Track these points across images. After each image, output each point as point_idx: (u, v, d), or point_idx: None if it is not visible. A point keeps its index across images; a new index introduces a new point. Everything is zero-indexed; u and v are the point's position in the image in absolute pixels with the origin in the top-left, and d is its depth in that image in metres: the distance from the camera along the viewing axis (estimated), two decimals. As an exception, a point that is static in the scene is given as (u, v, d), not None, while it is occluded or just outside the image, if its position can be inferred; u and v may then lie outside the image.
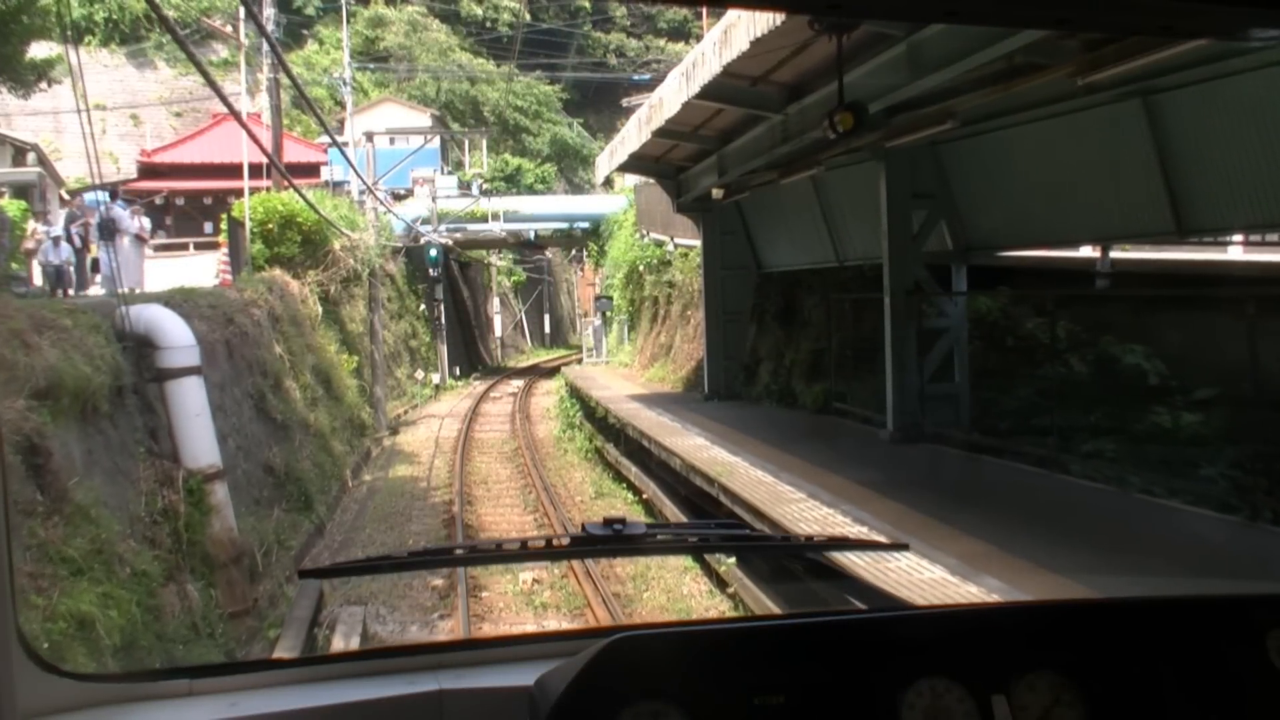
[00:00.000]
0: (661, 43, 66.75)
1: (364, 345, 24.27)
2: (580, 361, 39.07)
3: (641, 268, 23.52)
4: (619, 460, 15.10)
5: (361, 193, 24.26)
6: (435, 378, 31.38)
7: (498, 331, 50.72)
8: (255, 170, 21.35)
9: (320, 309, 21.17)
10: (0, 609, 1.44)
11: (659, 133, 12.61)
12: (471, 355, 43.85)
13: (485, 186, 38.26)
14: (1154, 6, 1.20)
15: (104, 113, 49.46)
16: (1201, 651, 1.67)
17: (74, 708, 1.59)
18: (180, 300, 13.09)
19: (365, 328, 24.38)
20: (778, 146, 11.28)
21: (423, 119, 51.60)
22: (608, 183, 32.83)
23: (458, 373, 36.81)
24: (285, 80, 21.25)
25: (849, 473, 9.35)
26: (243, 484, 12.28)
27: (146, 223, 20.43)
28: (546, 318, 64.30)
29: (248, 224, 20.29)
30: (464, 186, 39.44)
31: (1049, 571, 5.88)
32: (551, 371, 42.31)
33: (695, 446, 11.72)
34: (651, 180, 26.25)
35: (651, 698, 1.50)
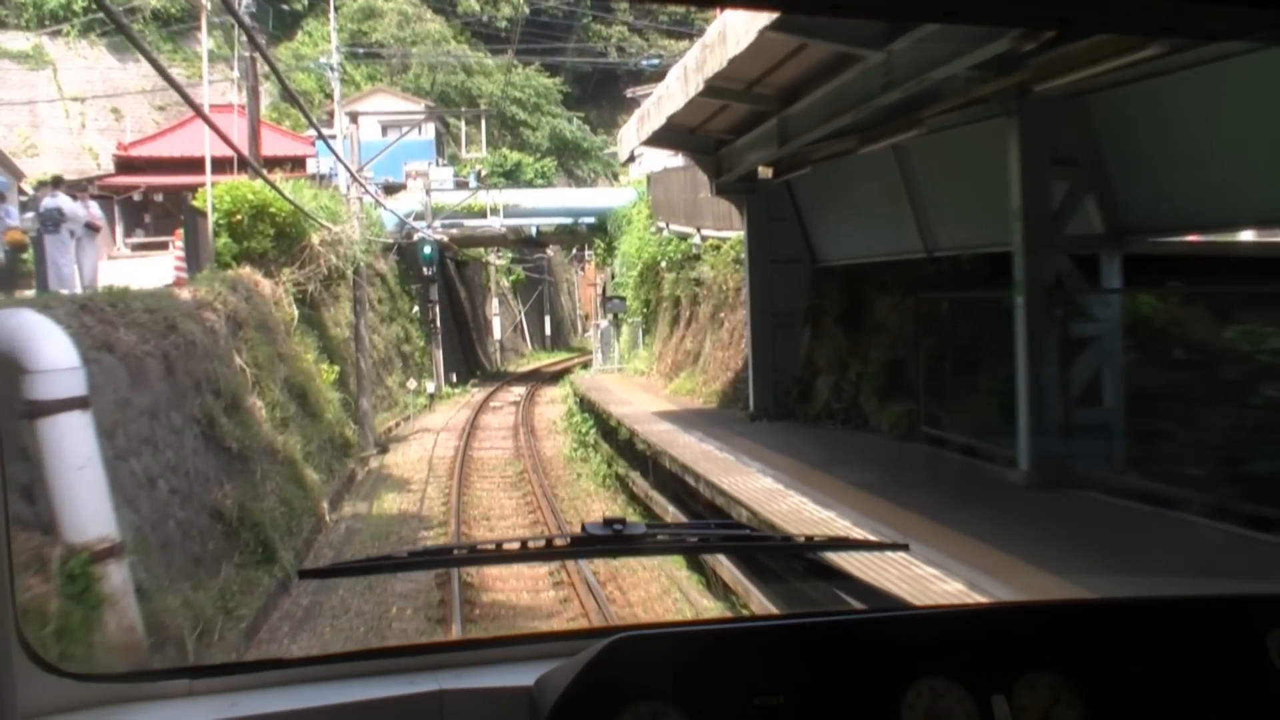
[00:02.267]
0: (666, 42, 64.00)
1: (349, 352, 21.55)
2: (587, 367, 36.33)
3: (662, 264, 20.78)
4: (649, 495, 12.40)
5: (349, 184, 21.55)
6: (430, 386, 28.65)
7: (497, 334, 47.97)
8: (243, 165, 18.72)
9: (296, 312, 18.45)
10: (0, 609, 1.47)
11: (709, 89, 9.93)
12: (469, 360, 41.12)
13: (482, 171, 35.45)
14: (1155, 6, 1.20)
15: (83, 105, 46.85)
16: (1201, 651, 1.66)
17: (74, 708, 1.59)
18: (105, 303, 10.41)
19: (351, 332, 21.64)
20: (874, 98, 8.58)
21: (416, 109, 48.98)
22: (614, 176, 30.26)
23: (454, 380, 34.10)
24: (273, 68, 18.55)
25: (1011, 543, 6.63)
26: (177, 540, 9.55)
27: (97, 211, 17.67)
28: (547, 319, 61.56)
29: (210, 215, 17.57)
30: (461, 182, 36.66)
31: None
32: (555, 377, 39.59)
33: (765, 492, 9.00)
34: (670, 166, 23.53)
35: (651, 698, 1.50)
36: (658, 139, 12.89)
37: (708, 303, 17.84)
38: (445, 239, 33.31)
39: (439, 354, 32.77)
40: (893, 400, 11.61)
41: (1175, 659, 1.64)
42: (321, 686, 1.70)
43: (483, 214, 34.12)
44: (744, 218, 14.06)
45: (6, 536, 1.48)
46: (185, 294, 13.08)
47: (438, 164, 38.14)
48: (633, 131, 12.22)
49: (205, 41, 22.35)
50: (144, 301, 11.60)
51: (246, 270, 17.67)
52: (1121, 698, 1.61)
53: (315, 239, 19.22)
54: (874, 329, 12.41)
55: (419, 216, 31.41)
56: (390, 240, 31.16)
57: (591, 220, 35.49)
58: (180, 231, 17.29)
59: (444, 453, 19.99)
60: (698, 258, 18.58)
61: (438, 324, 32.65)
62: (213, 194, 18.10)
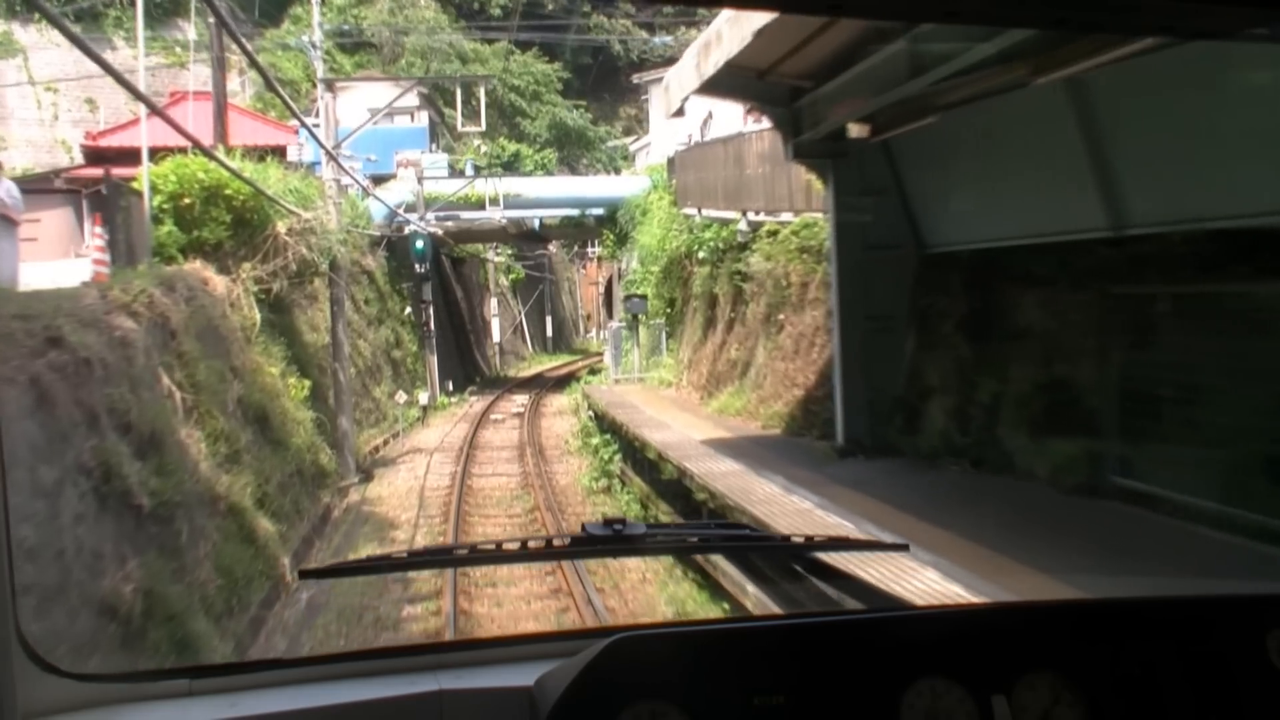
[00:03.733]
0: (670, 39, 60.79)
1: (327, 361, 18.29)
2: (595, 373, 33.04)
3: (699, 254, 17.46)
4: (721, 568, 9.09)
5: (325, 163, 18.30)
6: (423, 396, 25.36)
7: (496, 336, 44.65)
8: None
9: (259, 315, 15.20)
10: (0, 609, 1.45)
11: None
12: (466, 365, 37.83)
13: (482, 146, 32.22)
14: (1155, 6, 1.22)
15: (55, 96, 43.75)
16: (1201, 651, 1.65)
17: (74, 708, 1.58)
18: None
19: (332, 338, 18.36)
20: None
21: (408, 97, 45.71)
22: (617, 172, 26.96)
23: (450, 388, 30.83)
24: (263, 48, 15.27)
25: None
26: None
27: (15, 193, 14.34)
28: (549, 320, 58.27)
29: (148, 197, 14.32)
30: (459, 172, 33.29)
31: None
32: (560, 383, 36.30)
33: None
34: (700, 142, 20.25)
35: (651, 698, 1.49)
36: (718, 84, 9.60)
37: (758, 301, 14.59)
38: (439, 232, 30.04)
39: (433, 360, 29.52)
40: (1056, 436, 8.36)
41: (1175, 659, 1.63)
42: (321, 686, 1.69)
43: (481, 205, 30.82)
44: (829, 190, 10.80)
45: (7, 537, 1.49)
46: (90, 295, 9.81)
47: (431, 150, 34.83)
48: (690, 69, 8.91)
49: (140, 17, 19.18)
50: (15, 306, 8.37)
51: (196, 265, 14.46)
52: (1122, 698, 1.60)
53: (282, 228, 15.95)
54: (1016, 336, 9.16)
55: (410, 208, 28.18)
56: (379, 233, 27.92)
57: (599, 212, 32.28)
58: (100, 216, 13.96)
59: (438, 481, 16.74)
60: (744, 247, 15.34)
61: (432, 326, 29.40)
62: (156, 174, 14.86)
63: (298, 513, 13.89)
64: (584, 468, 16.81)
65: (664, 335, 21.83)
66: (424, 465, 19.04)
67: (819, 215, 12.44)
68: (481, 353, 42.86)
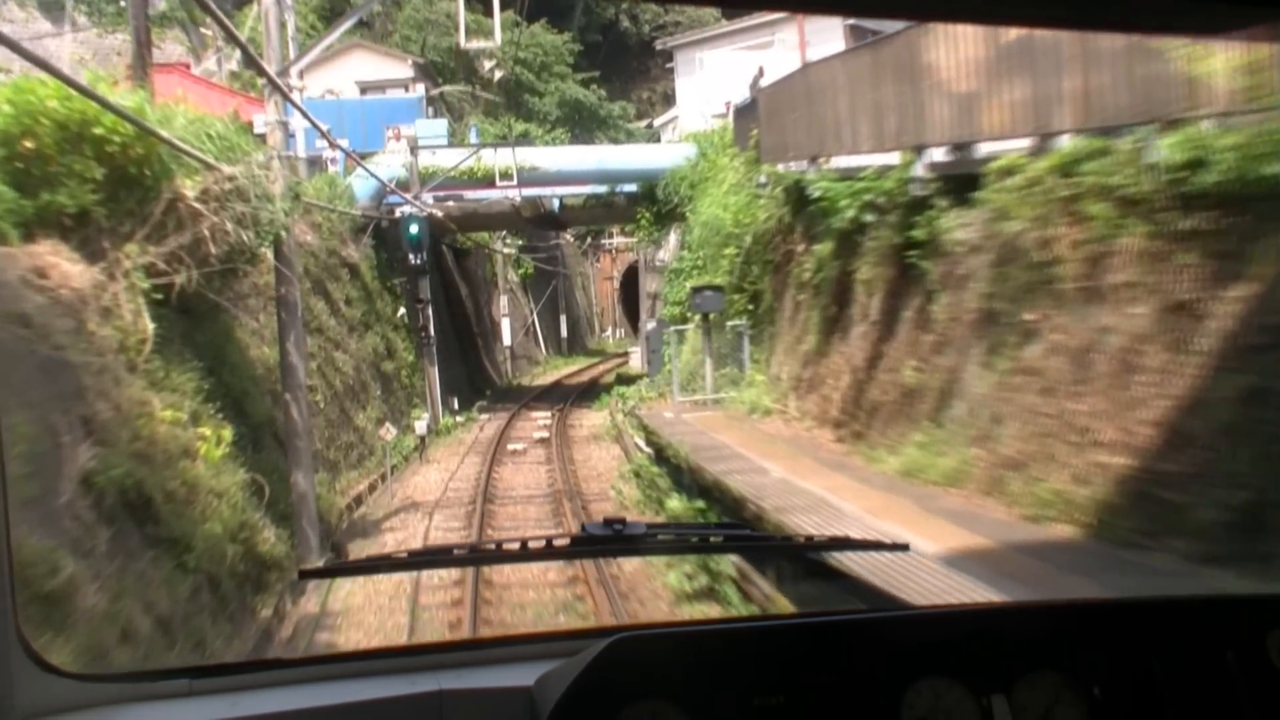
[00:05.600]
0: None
1: (284, 389, 12.57)
2: (626, 382, 27.25)
3: (831, 221, 11.42)
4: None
5: (268, 93, 12.57)
6: (421, 424, 19.55)
7: (506, 339, 38.83)
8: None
9: (150, 326, 9.48)
10: (0, 609, 1.45)
11: None
12: (474, 374, 32.05)
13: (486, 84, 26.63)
14: (1154, 6, 1.17)
15: (6, 76, 38.22)
16: (1201, 651, 1.65)
17: (74, 707, 1.57)
18: None
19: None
20: None
21: (402, 69, 39.95)
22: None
23: (455, 405, 25.11)
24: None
25: None
26: None
27: None
28: (563, 319, 52.44)
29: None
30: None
31: None
32: (586, 393, 30.58)
33: None
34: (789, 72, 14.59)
35: (652, 698, 1.50)
36: None
37: (962, 289, 8.83)
38: (439, 214, 24.30)
39: (434, 372, 23.77)
40: None
41: (1175, 659, 1.63)
42: (321, 686, 1.67)
43: (489, 181, 24.99)
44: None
45: (7, 537, 1.46)
46: None
47: (428, 116, 29.03)
48: None
49: None
50: None
51: (43, 248, 8.88)
52: (1121, 698, 1.60)
53: (189, 189, 10.17)
54: None
55: (403, 185, 22.43)
56: (363, 216, 22.24)
57: (631, 189, 26.54)
58: None
59: (440, 577, 10.91)
60: (918, 206, 9.57)
61: (431, 330, 23.66)
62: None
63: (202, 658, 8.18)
64: (673, 568, 10.97)
65: (743, 341, 16.03)
66: (420, 533, 13.31)
67: (1110, 140, 6.75)
68: (490, 359, 37.03)
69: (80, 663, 5.83)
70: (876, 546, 2.95)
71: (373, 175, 20.25)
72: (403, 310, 23.97)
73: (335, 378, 17.94)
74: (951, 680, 1.55)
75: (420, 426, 18.87)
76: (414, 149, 23.55)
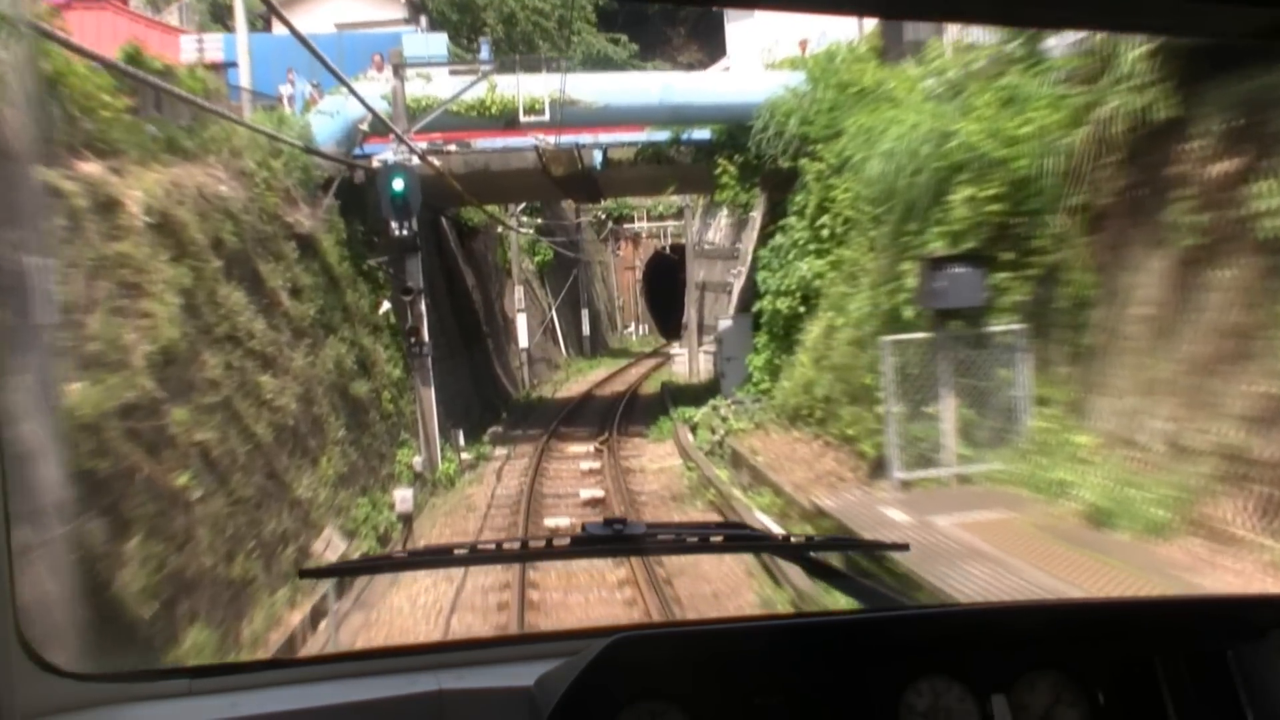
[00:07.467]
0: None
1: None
2: (686, 402, 19.58)
3: None
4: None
5: None
6: (399, 496, 11.86)
7: (523, 340, 31.18)
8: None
9: None
10: (0, 609, 1.43)
11: None
12: (484, 389, 24.42)
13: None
14: (1154, 6, 1.19)
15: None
16: (1202, 651, 1.64)
17: (74, 707, 1.55)
18: None
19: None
20: None
21: (393, 9, 32.38)
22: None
23: (462, 439, 17.55)
24: None
25: None
26: None
27: None
28: (584, 315, 44.80)
29: None
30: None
31: None
32: (631, 410, 23.11)
33: None
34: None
35: (651, 698, 1.49)
36: None
37: None
38: (438, 164, 16.71)
39: (429, 395, 16.16)
40: None
41: (1175, 659, 1.62)
42: (321, 686, 1.66)
43: (508, 123, 17.27)
44: None
45: (7, 537, 1.45)
46: None
47: (420, 31, 21.33)
48: None
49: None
50: None
51: None
52: (1122, 697, 1.59)
53: None
54: None
55: (382, 123, 14.80)
56: (327, 159, 14.79)
57: (703, 135, 18.96)
58: None
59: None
60: None
61: (425, 334, 16.07)
62: None
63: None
64: None
65: (1019, 362, 8.44)
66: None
67: None
68: (504, 365, 29.39)
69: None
70: (877, 546, 3.23)
71: (352, 92, 12.81)
72: (387, 305, 16.47)
73: (258, 420, 10.42)
74: (951, 680, 1.55)
75: (401, 499, 11.27)
76: (399, 68, 15.97)
